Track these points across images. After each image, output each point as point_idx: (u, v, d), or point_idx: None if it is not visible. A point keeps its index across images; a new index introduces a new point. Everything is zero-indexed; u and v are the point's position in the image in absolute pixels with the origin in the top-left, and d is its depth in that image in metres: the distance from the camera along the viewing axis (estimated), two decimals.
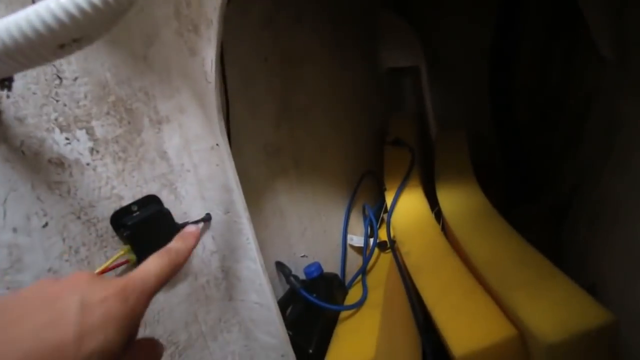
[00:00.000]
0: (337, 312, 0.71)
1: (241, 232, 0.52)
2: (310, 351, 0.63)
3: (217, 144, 0.48)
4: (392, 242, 0.84)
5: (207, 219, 0.54)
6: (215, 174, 0.51)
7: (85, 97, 0.41)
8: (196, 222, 0.52)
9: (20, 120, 0.36)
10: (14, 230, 0.35)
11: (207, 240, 0.55)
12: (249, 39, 0.71)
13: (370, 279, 0.78)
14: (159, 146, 0.49)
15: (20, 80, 0.36)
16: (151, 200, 0.47)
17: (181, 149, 0.51)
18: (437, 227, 0.82)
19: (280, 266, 0.73)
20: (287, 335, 0.57)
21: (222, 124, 0.47)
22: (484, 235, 0.73)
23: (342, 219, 0.97)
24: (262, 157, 0.74)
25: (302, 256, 0.82)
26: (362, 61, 1.18)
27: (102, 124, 0.43)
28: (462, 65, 1.32)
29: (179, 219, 0.50)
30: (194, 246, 0.34)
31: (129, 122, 0.45)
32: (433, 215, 0.87)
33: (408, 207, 0.91)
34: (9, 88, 0.31)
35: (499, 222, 0.75)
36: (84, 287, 0.23)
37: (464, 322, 0.57)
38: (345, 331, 0.64)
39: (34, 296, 0.22)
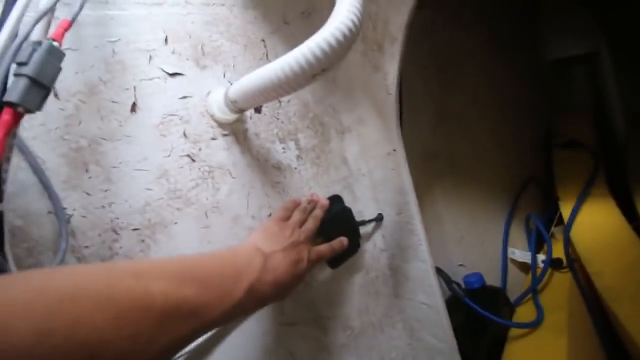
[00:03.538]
0: (505, 329, 0.66)
1: (413, 232, 0.55)
2: None
3: (394, 150, 0.52)
4: (572, 259, 0.73)
5: (379, 218, 0.59)
6: (389, 178, 0.55)
7: (294, 115, 0.52)
8: (370, 221, 0.58)
9: (257, 135, 0.48)
10: (252, 217, 0.47)
11: (378, 238, 0.60)
12: (410, 48, 0.74)
13: (544, 299, 0.69)
14: (341, 153, 0.56)
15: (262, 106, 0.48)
16: (337, 199, 0.54)
17: (359, 156, 0.57)
18: None
19: (438, 271, 0.73)
20: (454, 340, 0.56)
21: (399, 130, 0.51)
22: None
23: (501, 229, 0.90)
24: (420, 162, 0.76)
25: (459, 265, 0.79)
26: (523, 54, 1.07)
27: (304, 136, 0.52)
28: None
29: (355, 216, 0.56)
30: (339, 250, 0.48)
31: (322, 134, 0.54)
32: (632, 231, 0.71)
33: (594, 219, 0.77)
34: (259, 112, 0.42)
35: None
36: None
37: None
38: (522, 351, 0.59)
39: (297, 237, 0.42)
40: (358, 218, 0.57)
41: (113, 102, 0.39)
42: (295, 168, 0.51)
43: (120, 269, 0.26)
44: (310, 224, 0.45)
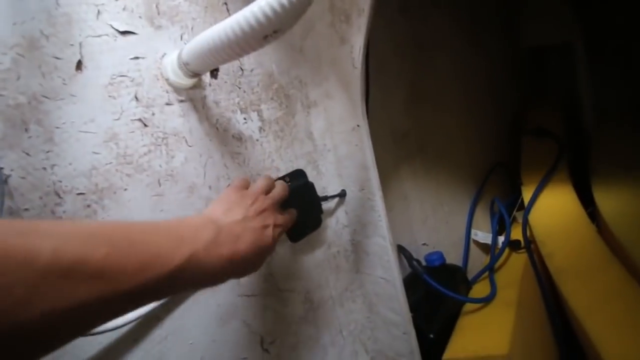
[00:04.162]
0: (460, 304, 0.69)
1: (374, 208, 0.55)
2: (432, 336, 0.63)
3: (358, 125, 0.52)
4: (529, 241, 0.76)
5: (342, 194, 0.59)
6: (354, 154, 0.55)
7: (258, 85, 0.50)
8: (332, 196, 0.58)
9: (216, 103, 0.46)
10: (210, 187, 0.46)
11: (341, 214, 0.60)
12: (384, 26, 0.73)
13: (500, 277, 0.72)
14: (307, 128, 0.56)
15: (218, 72, 0.46)
16: (300, 174, 0.54)
17: (325, 131, 0.57)
18: (592, 229, 0.70)
19: (401, 249, 0.74)
20: (410, 314, 0.58)
21: (364, 106, 0.51)
22: None
23: (466, 211, 0.92)
24: (390, 141, 0.76)
25: (422, 244, 0.81)
26: (498, 41, 1.08)
27: (267, 108, 0.51)
28: (633, 43, 1.07)
29: (318, 192, 0.56)
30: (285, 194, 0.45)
31: (287, 106, 0.53)
32: (586, 215, 0.75)
33: (552, 204, 0.80)
34: (216, 77, 0.41)
35: None
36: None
37: (625, 336, 0.48)
38: (472, 324, 0.62)
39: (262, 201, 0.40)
40: (322, 194, 0.57)
41: (56, 58, 0.36)
42: (257, 140, 0.50)
43: (6, 225, 0.22)
44: (279, 190, 0.43)
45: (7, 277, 0.19)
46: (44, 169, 0.35)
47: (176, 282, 0.28)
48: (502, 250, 0.77)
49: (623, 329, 0.50)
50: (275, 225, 0.39)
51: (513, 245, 0.81)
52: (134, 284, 0.24)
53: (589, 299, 0.56)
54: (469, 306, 0.67)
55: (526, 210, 0.83)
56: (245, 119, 0.49)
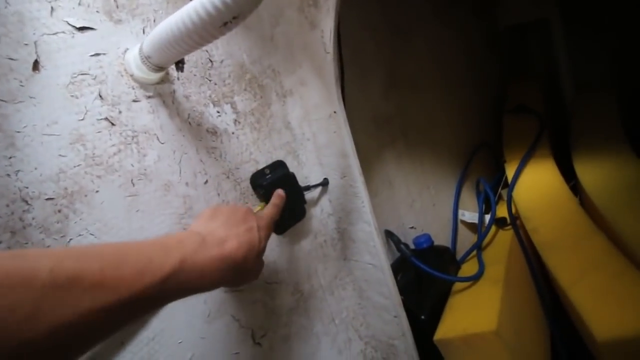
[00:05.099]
0: (450, 284, 0.69)
1: (356, 195, 0.55)
2: (423, 317, 0.63)
3: (334, 112, 0.51)
4: (514, 218, 0.77)
5: (324, 183, 0.58)
6: (333, 141, 0.54)
7: (229, 76, 0.49)
8: (315, 186, 0.58)
9: (187, 97, 0.45)
10: (187, 184, 0.45)
11: (325, 203, 0.60)
12: (358, 9, 0.72)
13: (487, 255, 0.73)
14: (284, 117, 0.55)
15: (185, 65, 0.44)
16: (279, 165, 0.53)
17: (302, 120, 0.56)
18: (575, 201, 0.71)
19: (389, 234, 0.75)
20: (399, 297, 0.59)
21: (339, 92, 0.50)
22: None
23: (452, 193, 0.93)
24: (372, 127, 0.76)
25: (410, 227, 0.82)
26: (475, 21, 1.08)
27: (241, 99, 0.50)
28: (605, 16, 1.08)
29: (300, 182, 0.56)
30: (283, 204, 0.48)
31: (261, 97, 0.52)
32: (568, 189, 0.76)
33: (535, 179, 0.81)
34: (182, 70, 0.39)
35: None
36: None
37: (610, 304, 0.49)
38: (461, 303, 0.62)
39: (237, 209, 0.40)
40: (304, 184, 0.57)
41: (10, 59, 0.35)
42: (233, 133, 0.49)
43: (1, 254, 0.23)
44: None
45: (9, 298, 0.20)
46: (8, 175, 0.34)
47: (173, 286, 0.29)
48: (488, 228, 0.78)
49: (607, 298, 0.51)
50: (259, 227, 0.39)
51: (499, 222, 0.81)
52: (133, 290, 0.25)
53: (574, 271, 0.57)
54: (458, 285, 0.68)
55: (510, 186, 0.83)
56: (218, 112, 0.48)
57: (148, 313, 0.29)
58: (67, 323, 0.22)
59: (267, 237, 0.41)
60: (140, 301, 0.26)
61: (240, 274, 0.36)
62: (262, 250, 0.39)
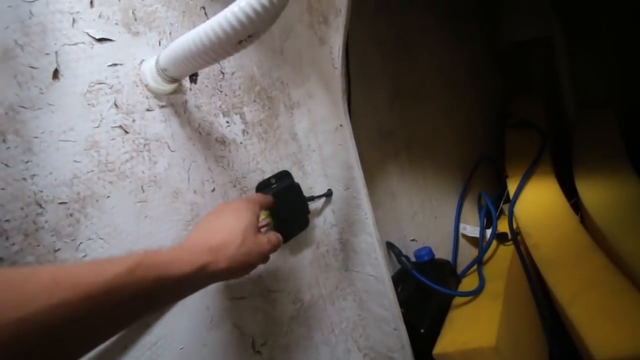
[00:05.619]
0: (450, 298, 0.70)
1: (359, 207, 0.56)
2: (422, 331, 0.64)
3: (340, 125, 0.52)
4: (515, 233, 0.77)
5: (328, 194, 0.59)
6: (338, 153, 0.55)
7: (239, 87, 0.50)
8: (319, 196, 0.59)
9: (198, 107, 0.47)
10: (194, 192, 0.46)
11: (328, 213, 0.61)
12: (365, 25, 0.73)
13: (488, 270, 0.73)
14: (291, 128, 0.56)
15: (198, 77, 0.46)
16: (285, 175, 0.54)
17: (309, 131, 0.57)
18: (576, 219, 0.72)
19: (390, 246, 0.75)
20: (399, 309, 0.59)
21: (346, 106, 0.51)
22: None
23: (454, 206, 0.94)
24: (376, 139, 0.77)
25: (411, 240, 0.82)
26: (480, 35, 1.09)
27: (250, 110, 0.51)
28: (606, 33, 1.10)
29: (305, 192, 0.57)
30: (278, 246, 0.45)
31: (270, 108, 0.53)
32: (569, 206, 0.76)
33: (537, 196, 0.82)
34: (195, 81, 0.41)
35: None
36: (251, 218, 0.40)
37: (609, 323, 0.50)
38: (461, 317, 0.62)
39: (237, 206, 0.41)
40: (308, 194, 0.57)
41: (32, 67, 0.36)
42: (241, 143, 0.50)
43: None
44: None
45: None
46: (24, 179, 0.35)
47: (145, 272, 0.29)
48: (490, 243, 0.79)
49: (606, 316, 0.51)
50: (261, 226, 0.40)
51: (500, 237, 0.82)
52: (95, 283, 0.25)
53: (573, 288, 0.58)
54: (458, 300, 0.68)
55: (512, 201, 0.84)
56: (228, 122, 0.49)
57: (133, 307, 0.28)
58: (29, 317, 0.21)
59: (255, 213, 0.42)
60: (107, 294, 0.25)
61: (239, 267, 0.37)
62: (263, 252, 0.40)
